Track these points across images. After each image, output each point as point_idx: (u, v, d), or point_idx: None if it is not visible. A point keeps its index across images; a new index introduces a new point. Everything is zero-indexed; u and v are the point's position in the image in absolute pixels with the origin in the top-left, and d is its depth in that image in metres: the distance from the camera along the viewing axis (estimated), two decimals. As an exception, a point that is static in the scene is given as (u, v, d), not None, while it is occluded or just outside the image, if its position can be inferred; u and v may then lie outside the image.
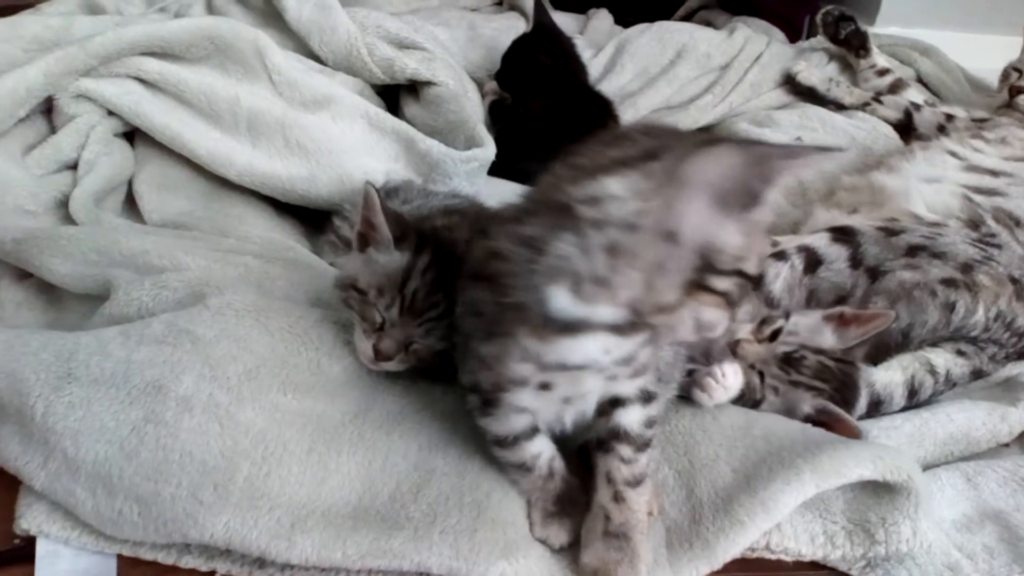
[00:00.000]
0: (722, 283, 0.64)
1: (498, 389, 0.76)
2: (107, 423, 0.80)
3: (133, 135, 1.33)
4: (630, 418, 0.79)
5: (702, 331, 0.67)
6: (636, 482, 0.80)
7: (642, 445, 0.80)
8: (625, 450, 0.79)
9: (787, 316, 1.07)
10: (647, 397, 0.79)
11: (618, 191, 0.63)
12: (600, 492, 0.81)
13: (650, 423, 0.80)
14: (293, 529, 0.77)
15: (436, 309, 0.88)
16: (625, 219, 0.62)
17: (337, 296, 0.92)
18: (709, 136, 0.67)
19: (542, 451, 0.82)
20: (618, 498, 0.80)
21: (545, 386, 0.74)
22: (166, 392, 0.81)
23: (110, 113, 1.27)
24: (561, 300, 0.66)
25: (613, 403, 0.79)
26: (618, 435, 0.79)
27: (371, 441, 0.84)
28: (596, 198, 0.64)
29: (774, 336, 1.05)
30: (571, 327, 0.67)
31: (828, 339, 1.06)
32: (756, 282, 0.71)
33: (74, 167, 1.24)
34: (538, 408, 0.78)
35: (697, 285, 0.64)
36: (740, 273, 0.65)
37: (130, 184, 1.29)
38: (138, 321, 0.89)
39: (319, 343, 0.89)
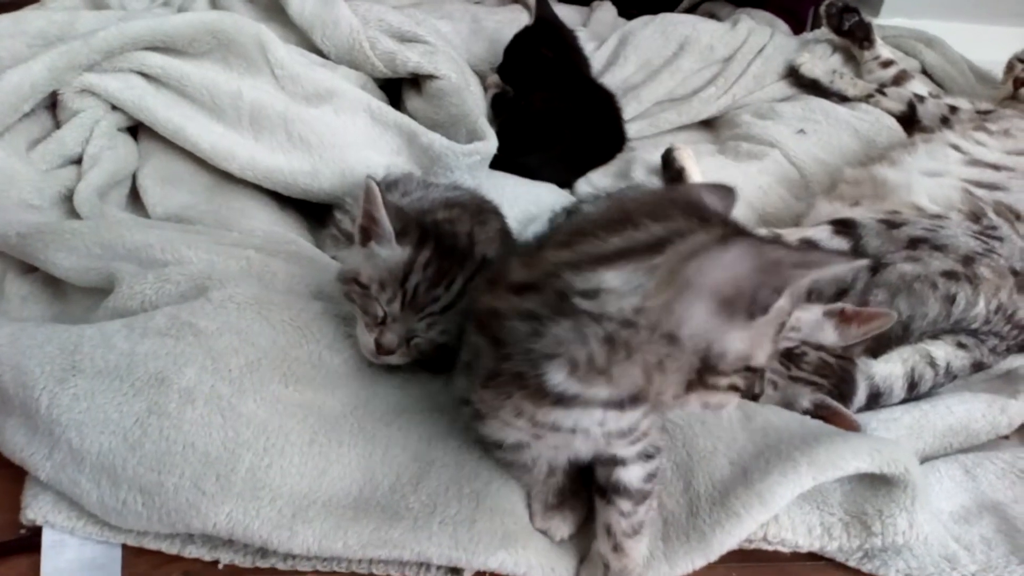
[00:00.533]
0: (726, 380, 0.63)
1: (494, 428, 0.76)
2: (111, 415, 0.81)
3: (137, 129, 1.34)
4: (630, 475, 0.78)
5: (709, 410, 0.66)
6: (635, 532, 0.80)
7: (641, 499, 0.79)
8: (625, 504, 0.79)
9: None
10: (648, 455, 0.79)
11: (617, 285, 0.60)
12: (600, 541, 0.81)
13: (650, 477, 0.80)
14: (295, 519, 0.78)
15: (437, 303, 0.89)
16: (623, 315, 0.60)
17: (339, 290, 0.93)
18: (723, 231, 0.63)
19: (541, 454, 0.82)
20: (617, 548, 0.80)
21: (536, 436, 0.74)
22: (169, 384, 0.82)
23: (114, 108, 1.28)
24: (558, 377, 0.64)
25: (612, 460, 0.78)
26: (618, 490, 0.79)
27: (371, 432, 0.85)
28: (594, 291, 0.61)
29: None
30: (567, 401, 0.66)
31: (829, 336, 1.06)
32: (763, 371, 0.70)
33: (78, 162, 1.25)
34: (530, 445, 0.78)
35: (700, 382, 0.62)
36: (747, 368, 0.64)
37: (134, 178, 1.30)
38: (141, 314, 0.89)
39: (320, 336, 0.90)
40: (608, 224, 0.66)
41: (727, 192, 0.72)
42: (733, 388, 0.65)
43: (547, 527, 0.84)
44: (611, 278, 0.61)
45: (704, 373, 0.62)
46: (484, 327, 0.72)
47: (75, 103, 1.24)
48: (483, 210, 1.17)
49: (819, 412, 1.00)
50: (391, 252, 0.89)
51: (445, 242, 0.93)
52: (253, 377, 0.84)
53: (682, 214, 0.65)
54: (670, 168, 1.51)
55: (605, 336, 0.61)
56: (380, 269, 0.89)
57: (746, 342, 0.61)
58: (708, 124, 1.79)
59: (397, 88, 1.62)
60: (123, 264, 0.97)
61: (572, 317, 0.62)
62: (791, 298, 0.62)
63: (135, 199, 1.29)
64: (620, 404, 0.66)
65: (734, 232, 0.64)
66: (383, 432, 0.85)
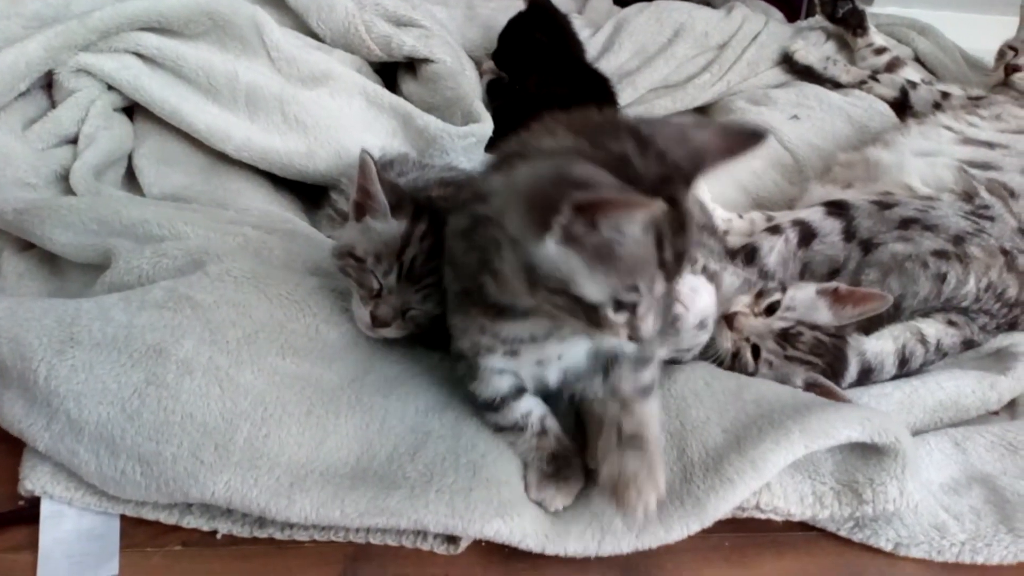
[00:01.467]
0: (562, 303, 0.65)
1: (474, 354, 0.79)
2: (109, 385, 0.81)
3: (132, 110, 1.34)
4: (623, 349, 0.78)
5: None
6: (643, 392, 0.80)
7: (641, 361, 0.80)
8: (625, 367, 0.79)
9: (783, 290, 1.08)
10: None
11: (495, 187, 0.67)
12: (609, 407, 0.80)
13: (645, 357, 0.81)
14: (292, 488, 0.79)
15: (434, 275, 0.89)
16: (497, 217, 0.65)
17: (334, 265, 0.93)
18: (591, 152, 0.64)
19: (531, 409, 0.84)
20: (625, 406, 0.79)
21: (512, 352, 0.77)
22: (167, 355, 0.82)
23: (110, 88, 1.28)
24: (491, 288, 0.69)
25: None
26: (617, 359, 0.79)
27: (368, 404, 0.85)
28: (486, 194, 0.68)
29: (771, 310, 1.06)
30: (508, 312, 0.71)
31: (824, 315, 1.07)
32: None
33: (74, 141, 1.25)
34: (514, 369, 0.80)
35: (536, 294, 0.65)
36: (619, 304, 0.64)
37: (130, 158, 1.30)
38: (139, 288, 0.90)
39: (317, 309, 0.91)
40: (536, 134, 0.69)
41: (741, 137, 0.68)
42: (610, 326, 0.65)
43: (542, 498, 0.84)
44: (494, 180, 0.66)
45: (533, 287, 0.65)
46: (448, 256, 0.79)
47: (71, 83, 1.25)
48: (476, 188, 1.17)
49: (811, 389, 1.01)
50: (386, 226, 0.90)
51: (440, 216, 0.94)
52: (250, 349, 0.84)
53: (592, 133, 0.65)
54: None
55: (493, 240, 0.65)
56: (376, 242, 0.89)
57: (556, 262, 0.62)
58: (703, 110, 1.80)
59: (393, 72, 1.62)
60: (120, 240, 0.98)
61: (482, 224, 0.67)
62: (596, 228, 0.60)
63: (131, 179, 1.29)
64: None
65: (598, 157, 0.63)
66: (380, 404, 0.86)
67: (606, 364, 0.80)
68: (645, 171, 0.63)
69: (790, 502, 0.87)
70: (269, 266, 0.96)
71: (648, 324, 0.67)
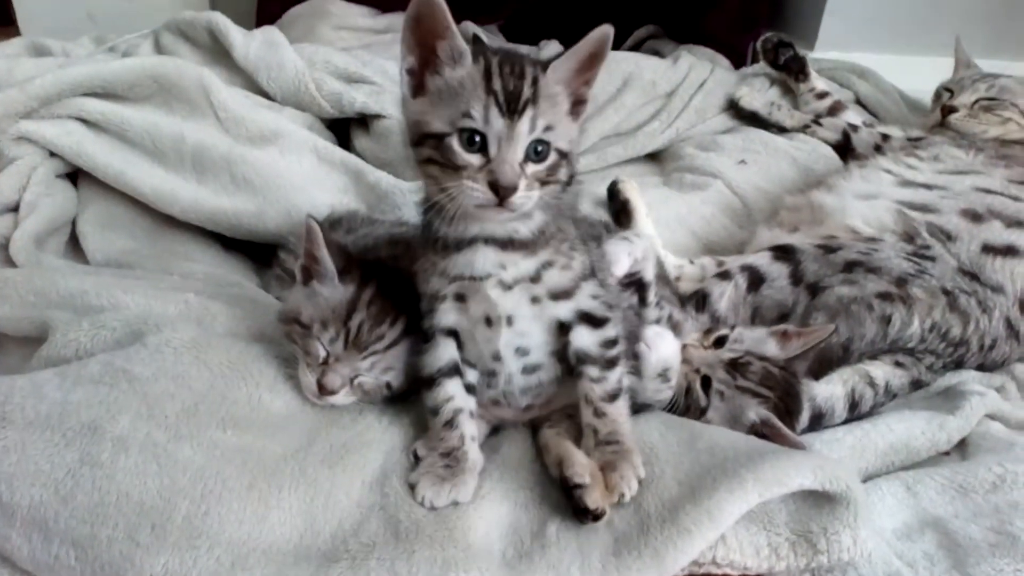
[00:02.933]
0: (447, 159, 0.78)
1: (429, 311, 0.86)
2: (42, 466, 0.79)
3: (76, 175, 1.32)
4: (583, 340, 0.88)
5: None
6: (611, 398, 0.89)
7: (606, 363, 0.88)
8: (591, 370, 0.88)
9: (732, 328, 1.10)
10: (592, 320, 0.87)
11: None
12: (583, 413, 0.89)
13: (607, 344, 0.88)
14: (234, 568, 0.76)
15: (381, 342, 0.89)
16: None
17: (280, 331, 0.92)
18: None
19: (453, 396, 0.87)
20: (598, 413, 0.88)
21: (460, 297, 0.84)
22: (102, 433, 0.80)
23: (52, 154, 1.27)
24: (436, 221, 0.81)
25: (562, 329, 0.87)
26: (581, 358, 0.88)
27: (313, 477, 0.83)
28: None
29: (720, 342, 1.08)
30: (451, 244, 0.82)
31: (771, 349, 1.09)
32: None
33: (15, 209, 1.23)
34: (466, 327, 0.85)
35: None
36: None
37: (73, 224, 1.28)
38: (75, 362, 0.88)
39: (260, 378, 0.89)
40: None
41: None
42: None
43: (424, 493, 0.84)
44: None
45: (416, 149, 0.79)
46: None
47: (11, 151, 1.23)
48: None
49: (764, 430, 1.01)
50: (333, 291, 0.89)
51: (388, 280, 0.93)
52: (190, 422, 0.83)
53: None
54: (615, 200, 1.53)
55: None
56: (322, 308, 0.88)
57: (417, 108, 0.78)
58: (653, 157, 1.83)
59: (346, 126, 1.63)
60: (57, 312, 0.96)
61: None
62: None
63: (75, 246, 1.27)
64: (503, 245, 0.81)
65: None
66: (326, 476, 0.84)
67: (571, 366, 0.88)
68: None
69: (746, 555, 0.86)
70: (211, 334, 0.94)
71: (506, 169, 0.75)
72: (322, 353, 0.88)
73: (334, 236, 1.12)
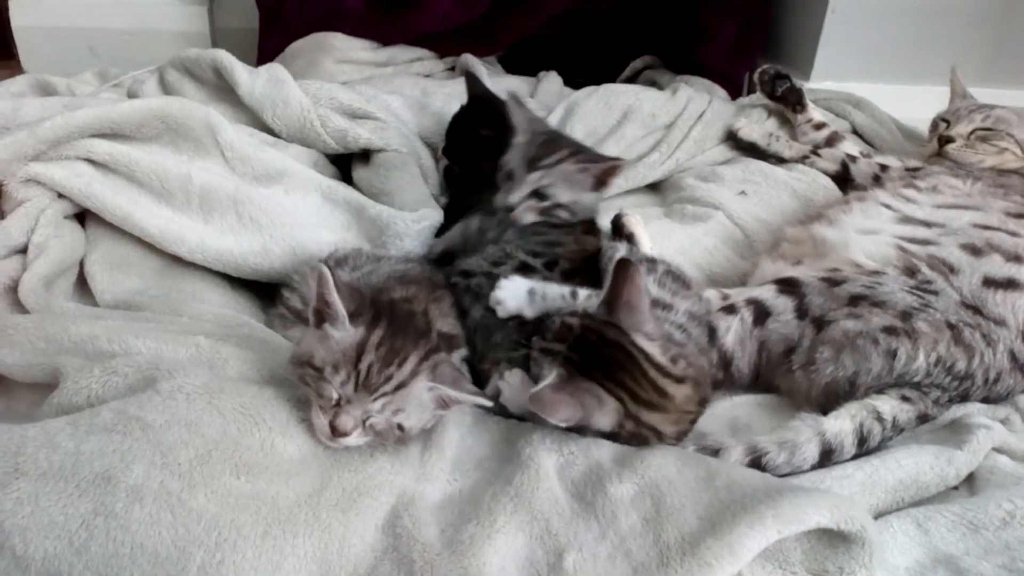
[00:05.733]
0: None
1: None
2: (56, 518, 0.79)
3: (84, 215, 1.33)
4: None
5: None
6: None
7: None
8: None
9: None
10: None
11: None
12: None
13: None
14: (249, 617, 0.76)
15: (390, 383, 0.89)
16: None
17: (293, 374, 0.93)
18: None
19: None
20: None
21: None
22: (116, 483, 0.80)
23: (60, 195, 1.27)
24: None
25: None
26: None
27: (327, 523, 0.83)
28: None
29: None
30: None
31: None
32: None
33: (23, 251, 1.23)
34: None
35: None
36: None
37: (82, 264, 1.29)
38: (87, 410, 0.88)
39: (272, 423, 0.89)
40: None
41: None
42: None
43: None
44: None
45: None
46: None
47: (20, 193, 1.24)
48: (436, 284, 1.18)
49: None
50: (344, 333, 0.90)
51: (399, 321, 0.94)
52: (203, 470, 0.83)
53: None
54: (619, 233, 1.54)
55: None
56: (333, 351, 0.89)
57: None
58: (654, 187, 1.85)
59: (347, 157, 1.64)
60: (68, 358, 0.96)
61: None
62: None
63: (83, 286, 1.27)
64: None
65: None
66: (339, 521, 0.84)
67: None
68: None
69: (762, 595, 0.86)
70: (223, 378, 0.95)
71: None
72: (334, 396, 0.89)
73: (339, 275, 1.14)
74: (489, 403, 0.98)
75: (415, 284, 1.12)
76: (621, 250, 1.24)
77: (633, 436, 0.99)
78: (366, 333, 0.90)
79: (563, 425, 0.94)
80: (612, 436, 0.99)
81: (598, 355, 0.97)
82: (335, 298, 0.89)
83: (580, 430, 0.99)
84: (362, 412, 0.89)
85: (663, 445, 1.01)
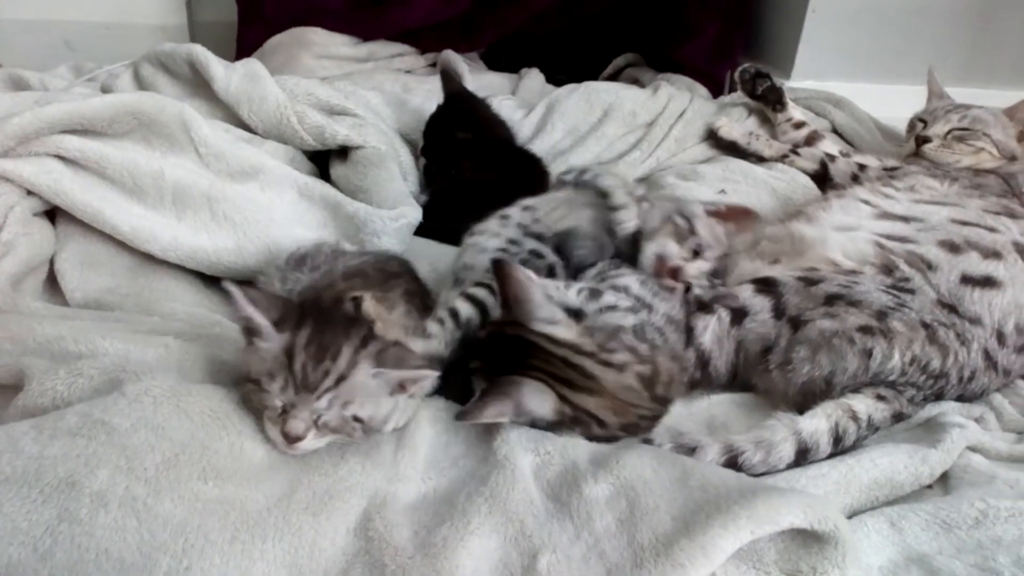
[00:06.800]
0: None
1: None
2: (19, 524, 0.77)
3: (54, 212, 1.30)
4: None
5: None
6: None
7: None
8: None
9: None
10: None
11: None
12: None
13: None
14: (216, 624, 0.75)
15: (329, 377, 0.88)
16: None
17: (240, 393, 0.92)
18: None
19: None
20: None
21: None
22: (80, 488, 0.78)
23: (29, 192, 1.25)
24: None
25: None
26: None
27: (297, 526, 0.82)
28: None
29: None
30: None
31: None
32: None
33: (-9, 249, 1.21)
34: None
35: None
36: None
37: (52, 263, 1.26)
38: (52, 413, 0.86)
39: (241, 426, 0.88)
40: None
41: None
42: None
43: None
44: None
45: None
46: None
47: (-13, 190, 1.21)
48: (388, 275, 1.16)
49: None
50: (271, 343, 0.90)
51: (326, 316, 0.93)
52: (170, 474, 0.81)
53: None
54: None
55: None
56: (265, 361, 0.89)
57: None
58: (635, 185, 1.84)
59: (324, 154, 1.63)
60: (34, 359, 0.94)
61: None
62: None
63: (53, 284, 1.25)
64: None
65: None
66: (310, 524, 0.83)
67: None
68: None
69: (735, 595, 0.86)
70: (191, 380, 0.93)
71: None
72: (278, 404, 0.88)
73: (299, 275, 1.13)
74: (435, 373, 0.98)
75: (360, 276, 1.10)
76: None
77: (575, 422, 1.00)
78: (291, 336, 0.90)
79: (504, 420, 0.97)
80: (556, 425, 1.01)
81: (507, 353, 1.01)
82: (251, 311, 0.89)
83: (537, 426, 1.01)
84: (309, 412, 0.88)
85: (637, 444, 1.01)
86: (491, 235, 1.27)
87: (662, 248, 1.24)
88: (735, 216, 1.30)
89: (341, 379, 0.88)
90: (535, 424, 1.00)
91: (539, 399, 0.98)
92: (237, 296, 0.89)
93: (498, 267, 1.03)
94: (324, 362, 0.87)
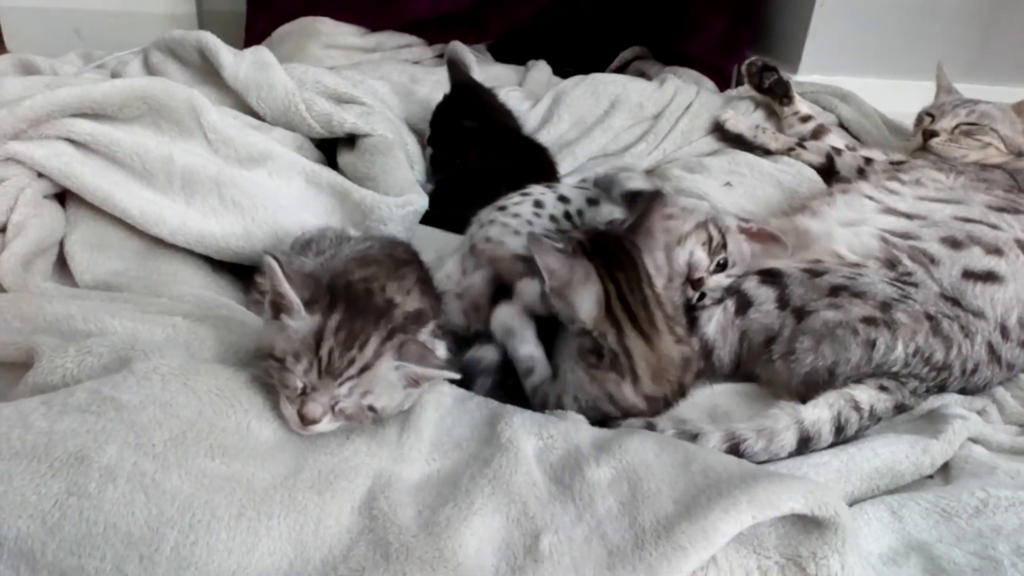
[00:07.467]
0: None
1: None
2: (29, 497, 0.78)
3: (64, 195, 1.31)
4: None
5: None
6: None
7: None
8: None
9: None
10: None
11: None
12: None
13: None
14: (222, 598, 0.76)
15: (353, 366, 0.89)
16: None
17: (258, 367, 0.92)
18: None
19: None
20: None
21: None
22: (89, 463, 0.79)
23: (40, 175, 1.25)
24: None
25: None
26: None
27: (302, 504, 0.83)
28: None
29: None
30: None
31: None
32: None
33: (3, 230, 1.21)
34: None
35: None
36: None
37: (62, 245, 1.27)
38: (62, 390, 0.87)
39: (248, 405, 0.89)
40: None
41: None
42: None
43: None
44: None
45: None
46: None
47: (-1, 172, 1.22)
48: (399, 262, 1.16)
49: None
50: (301, 322, 0.90)
51: (358, 303, 0.94)
52: (178, 451, 0.82)
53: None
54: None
55: None
56: (293, 341, 0.89)
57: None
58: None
59: (332, 142, 1.64)
60: (44, 337, 0.95)
61: None
62: None
63: (63, 266, 1.26)
64: None
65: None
66: (315, 503, 0.83)
67: None
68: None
69: (736, 577, 0.86)
70: (200, 359, 0.94)
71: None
72: (299, 384, 0.88)
73: (304, 260, 1.13)
74: (457, 376, 0.98)
75: (374, 264, 1.10)
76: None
77: (613, 362, 1.02)
78: (323, 319, 0.90)
79: (547, 279, 1.01)
80: (592, 353, 1.03)
81: (606, 250, 1.05)
82: (287, 288, 0.89)
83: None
84: (329, 398, 0.88)
85: (639, 430, 1.01)
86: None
87: (693, 257, 1.24)
88: (764, 239, 1.30)
89: (365, 369, 0.89)
90: (572, 321, 1.03)
91: (588, 294, 1.00)
92: (276, 270, 0.88)
93: (658, 196, 1.08)
94: (352, 350, 0.88)
